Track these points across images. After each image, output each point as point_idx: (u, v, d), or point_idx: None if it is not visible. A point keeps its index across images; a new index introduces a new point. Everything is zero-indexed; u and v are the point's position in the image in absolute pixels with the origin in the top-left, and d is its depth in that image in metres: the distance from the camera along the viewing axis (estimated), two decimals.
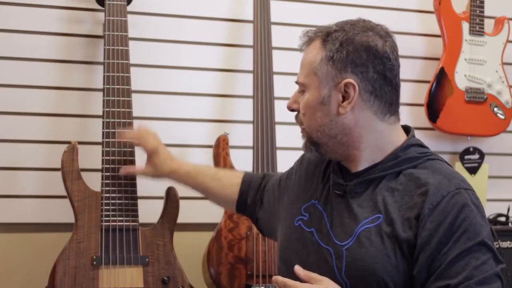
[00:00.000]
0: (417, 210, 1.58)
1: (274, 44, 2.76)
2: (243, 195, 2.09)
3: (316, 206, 1.76)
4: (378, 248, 1.59)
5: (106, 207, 2.32)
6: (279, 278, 1.58)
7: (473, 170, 3.14)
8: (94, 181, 2.39)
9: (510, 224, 2.97)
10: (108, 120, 2.37)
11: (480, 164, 3.16)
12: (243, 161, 2.67)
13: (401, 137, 1.72)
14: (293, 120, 1.77)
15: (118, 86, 2.41)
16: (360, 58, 1.65)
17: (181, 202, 2.46)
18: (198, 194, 2.77)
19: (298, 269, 1.60)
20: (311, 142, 1.72)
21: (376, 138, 1.69)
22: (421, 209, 1.57)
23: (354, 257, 1.61)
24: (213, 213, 2.69)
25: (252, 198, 2.07)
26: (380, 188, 1.65)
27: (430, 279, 1.55)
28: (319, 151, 1.73)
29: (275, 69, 2.73)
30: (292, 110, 1.76)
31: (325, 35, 1.68)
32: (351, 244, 1.63)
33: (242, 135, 2.78)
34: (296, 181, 1.89)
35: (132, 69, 2.47)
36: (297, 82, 1.75)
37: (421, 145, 1.73)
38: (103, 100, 2.40)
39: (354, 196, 1.68)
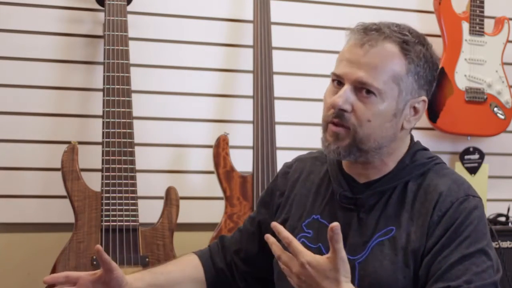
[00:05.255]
0: (427, 217, 1.57)
1: (274, 44, 2.76)
2: (208, 265, 1.88)
3: (319, 221, 1.68)
4: (392, 260, 1.57)
5: (106, 207, 2.32)
6: (279, 248, 1.49)
7: (473, 170, 3.14)
8: (94, 181, 2.39)
9: (510, 224, 2.97)
10: (108, 120, 2.37)
11: (480, 164, 3.15)
12: (243, 161, 2.67)
13: (407, 142, 1.70)
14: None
15: (118, 86, 2.41)
16: (432, 76, 1.63)
17: (181, 202, 2.45)
18: (198, 194, 2.79)
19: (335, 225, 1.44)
20: (357, 148, 1.59)
21: (402, 150, 1.67)
22: (431, 216, 1.57)
23: (367, 271, 1.58)
24: (213, 213, 2.70)
25: (223, 261, 1.88)
26: (392, 199, 1.62)
27: (430, 280, 1.55)
28: (355, 156, 1.61)
29: (275, 69, 2.73)
30: (341, 110, 1.56)
31: (403, 42, 1.59)
32: (364, 257, 1.59)
33: (242, 135, 2.77)
34: (290, 199, 1.77)
35: (132, 69, 2.47)
36: (363, 82, 1.55)
37: (425, 149, 1.71)
38: (103, 100, 2.40)
39: (366, 210, 1.62)
